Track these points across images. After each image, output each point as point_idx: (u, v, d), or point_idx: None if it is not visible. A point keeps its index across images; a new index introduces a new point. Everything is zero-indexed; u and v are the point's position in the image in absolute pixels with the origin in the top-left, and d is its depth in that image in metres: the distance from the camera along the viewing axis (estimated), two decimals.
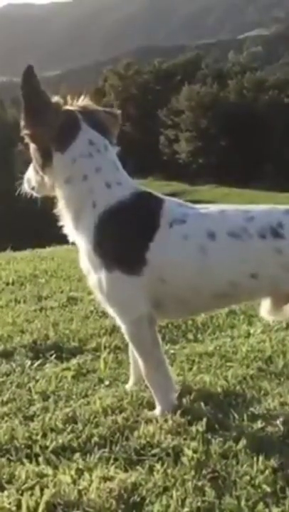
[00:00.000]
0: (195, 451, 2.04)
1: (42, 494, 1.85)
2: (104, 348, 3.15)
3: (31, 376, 2.83)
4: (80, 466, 2.01)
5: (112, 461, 2.03)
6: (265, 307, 2.44)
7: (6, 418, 2.41)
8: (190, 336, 3.32)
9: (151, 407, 2.40)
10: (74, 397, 2.58)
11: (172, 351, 3.03)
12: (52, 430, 2.27)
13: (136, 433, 2.20)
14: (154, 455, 2.05)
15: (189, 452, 2.03)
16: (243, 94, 56.25)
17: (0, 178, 28.31)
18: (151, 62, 69.59)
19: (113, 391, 2.58)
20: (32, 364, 2.98)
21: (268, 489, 1.84)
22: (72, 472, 1.97)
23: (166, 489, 1.86)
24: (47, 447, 2.15)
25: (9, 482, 1.96)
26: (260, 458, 1.98)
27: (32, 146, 2.38)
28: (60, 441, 2.18)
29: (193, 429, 2.18)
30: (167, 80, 62.63)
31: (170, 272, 2.27)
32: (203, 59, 75.79)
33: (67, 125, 2.31)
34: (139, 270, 2.26)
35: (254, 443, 2.08)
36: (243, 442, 2.08)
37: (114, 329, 3.32)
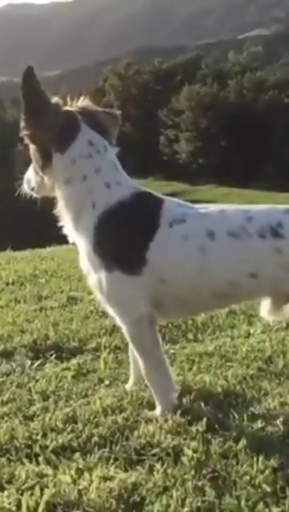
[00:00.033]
0: (195, 451, 2.04)
1: (42, 494, 1.85)
2: (104, 348, 3.15)
3: (31, 376, 2.83)
4: (80, 466, 2.01)
5: (112, 460, 2.03)
6: (265, 307, 2.44)
7: (6, 418, 2.41)
8: (190, 336, 3.32)
9: (152, 407, 2.40)
10: (74, 397, 2.58)
11: (172, 351, 3.03)
12: (52, 430, 2.27)
13: (136, 433, 2.20)
14: (154, 455, 2.05)
15: (189, 452, 2.03)
16: (243, 94, 56.26)
17: (0, 178, 28.32)
18: (152, 63, 69.62)
19: (113, 391, 2.58)
20: (32, 364, 2.99)
21: (268, 489, 1.84)
22: (73, 472, 1.97)
23: (166, 489, 1.86)
24: (47, 447, 2.15)
25: (9, 482, 1.96)
26: (260, 458, 1.98)
27: (32, 147, 2.39)
28: (60, 441, 2.18)
29: (194, 429, 2.18)
30: (167, 80, 62.65)
31: (170, 271, 2.27)
32: (203, 59, 75.82)
33: (66, 126, 2.31)
34: (139, 270, 2.26)
35: (254, 443, 2.08)
36: (243, 442, 2.08)
37: (114, 329, 3.32)
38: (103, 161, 2.34)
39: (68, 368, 2.89)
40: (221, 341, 3.17)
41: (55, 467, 2.02)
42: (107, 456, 2.06)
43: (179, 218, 2.29)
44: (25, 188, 2.52)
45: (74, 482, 1.92)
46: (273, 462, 1.96)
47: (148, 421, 2.29)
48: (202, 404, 2.40)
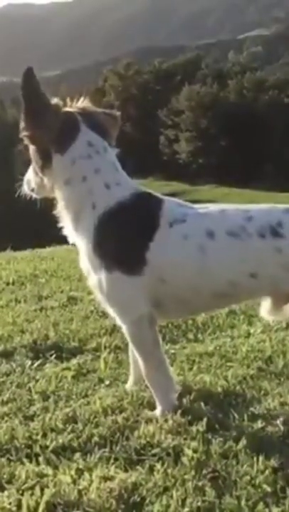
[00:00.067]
0: (195, 451, 2.04)
1: (42, 494, 1.85)
2: (105, 348, 3.15)
3: (31, 376, 2.83)
4: (80, 466, 2.01)
5: (112, 461, 2.03)
6: (265, 307, 2.44)
7: (6, 418, 2.41)
8: (190, 336, 3.32)
9: (152, 407, 2.40)
10: (74, 397, 2.58)
11: (172, 351, 3.03)
12: (52, 430, 2.27)
13: (136, 433, 2.20)
14: (154, 455, 2.05)
15: (189, 452, 2.03)
16: (243, 94, 56.27)
17: (0, 178, 28.32)
18: (152, 63, 69.63)
19: (113, 391, 2.58)
20: (32, 364, 2.99)
21: (268, 489, 1.84)
22: (73, 472, 1.97)
23: (166, 489, 1.86)
24: (47, 447, 2.15)
25: (9, 482, 1.96)
26: (261, 458, 1.98)
27: (31, 148, 2.39)
28: (61, 441, 2.18)
29: (194, 429, 2.18)
30: (167, 80, 62.67)
31: (170, 271, 2.27)
32: (203, 59, 75.84)
33: (66, 127, 2.32)
34: (139, 270, 2.26)
35: (254, 443, 2.08)
36: (243, 442, 2.08)
37: (114, 329, 3.32)
38: (103, 162, 2.34)
39: (68, 368, 2.89)
40: (221, 341, 3.17)
41: (56, 467, 2.02)
42: (107, 456, 2.06)
43: (178, 218, 2.29)
44: (25, 188, 2.52)
45: (74, 482, 1.92)
46: (273, 462, 1.96)
47: (148, 421, 2.29)
48: (202, 404, 2.40)
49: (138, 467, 1.98)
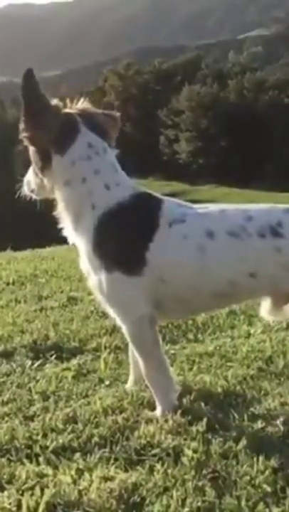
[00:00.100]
0: (195, 451, 2.04)
1: (42, 494, 1.85)
2: (105, 348, 3.15)
3: (31, 376, 2.83)
4: (81, 466, 2.01)
5: (112, 461, 2.03)
6: (265, 307, 2.44)
7: (6, 418, 2.41)
8: (190, 336, 3.32)
9: (152, 407, 2.40)
10: (74, 397, 2.58)
11: (172, 351, 3.03)
12: (52, 430, 2.27)
13: (136, 433, 2.20)
14: (154, 455, 2.05)
15: (189, 452, 2.03)
16: (243, 94, 56.25)
17: (0, 178, 28.30)
18: (152, 63, 69.62)
19: (113, 391, 2.59)
20: (32, 364, 2.99)
21: (268, 489, 1.84)
22: (73, 472, 1.97)
23: (166, 489, 1.86)
24: (47, 447, 2.15)
25: (9, 482, 1.96)
26: (261, 458, 1.98)
27: (31, 149, 2.39)
28: (61, 441, 2.18)
29: (194, 429, 2.18)
30: (167, 80, 62.65)
31: (170, 271, 2.27)
32: (204, 59, 75.81)
33: (66, 128, 2.32)
34: (139, 271, 2.26)
35: (254, 443, 2.09)
36: (243, 442, 2.08)
37: (114, 329, 3.32)
38: (102, 163, 2.34)
39: (68, 368, 2.89)
40: (221, 341, 3.17)
41: (56, 467, 2.02)
42: (107, 456, 2.06)
43: (178, 218, 2.30)
44: (25, 189, 2.52)
45: (74, 482, 1.92)
46: (273, 462, 1.96)
47: (148, 421, 2.29)
48: (202, 404, 2.40)
49: (138, 467, 1.98)
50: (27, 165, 2.50)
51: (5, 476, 1.99)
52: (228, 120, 50.93)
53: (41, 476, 1.97)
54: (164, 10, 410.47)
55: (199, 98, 55.08)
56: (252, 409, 2.37)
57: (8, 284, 5.01)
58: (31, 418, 2.40)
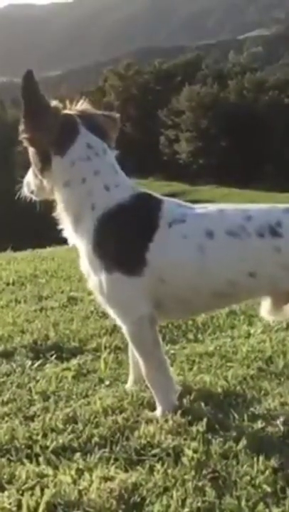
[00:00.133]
0: (195, 452, 2.04)
1: (42, 494, 1.85)
2: (105, 348, 3.15)
3: (31, 376, 2.84)
4: (81, 466, 2.01)
5: (112, 461, 2.03)
6: (265, 307, 2.44)
7: (6, 418, 2.41)
8: (190, 336, 3.32)
9: (152, 407, 2.40)
10: (74, 397, 2.58)
11: (172, 351, 3.03)
12: (52, 430, 2.27)
13: (136, 433, 2.20)
14: (154, 455, 2.05)
15: (190, 452, 2.03)
16: (243, 94, 56.26)
17: (0, 178, 28.30)
18: (152, 63, 69.65)
19: (113, 391, 2.59)
20: (32, 364, 2.99)
21: (269, 489, 1.84)
22: (73, 472, 1.97)
23: (166, 489, 1.86)
24: (47, 447, 2.15)
25: (9, 482, 1.96)
26: (261, 458, 1.98)
27: (31, 150, 2.39)
28: (61, 441, 2.18)
29: (194, 429, 2.18)
30: (168, 80, 62.67)
31: (170, 272, 2.28)
32: (204, 59, 75.88)
33: (65, 129, 2.32)
34: (139, 271, 2.26)
35: (254, 443, 2.09)
36: (243, 442, 2.08)
37: (114, 329, 3.32)
38: (102, 164, 2.35)
39: (68, 368, 2.89)
40: (221, 341, 3.17)
41: (56, 467, 2.02)
42: (107, 456, 2.06)
43: (178, 218, 2.30)
44: (25, 191, 2.52)
45: (74, 482, 1.92)
46: (273, 462, 1.96)
47: (148, 421, 2.29)
48: (202, 404, 2.40)
49: (138, 467, 1.98)
50: (27, 166, 2.50)
51: (5, 476, 1.99)
52: (229, 120, 50.93)
53: (41, 476, 1.97)
54: (164, 10, 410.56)
55: (199, 98, 55.09)
56: (252, 409, 2.37)
57: (8, 284, 5.01)
58: (31, 418, 2.40)
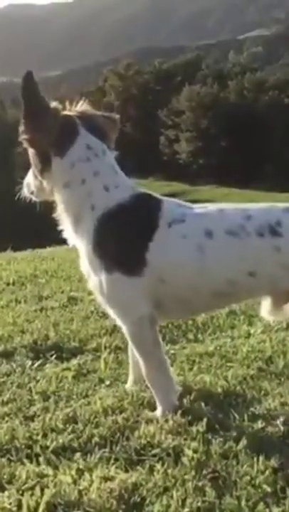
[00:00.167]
0: (195, 452, 2.04)
1: (42, 494, 1.85)
2: (105, 348, 3.15)
3: (32, 376, 2.84)
4: (81, 466, 2.01)
5: (112, 461, 2.03)
6: (265, 307, 2.44)
7: (6, 418, 2.41)
8: (190, 336, 3.32)
9: (152, 407, 2.40)
10: (74, 397, 2.58)
11: (172, 351, 3.03)
12: (52, 430, 2.27)
13: (136, 433, 2.20)
14: (154, 455, 2.05)
15: (190, 452, 2.03)
16: (243, 94, 56.25)
17: (0, 178, 28.30)
18: (152, 63, 69.66)
19: (114, 391, 2.59)
20: (32, 364, 2.99)
21: (269, 489, 1.84)
22: (73, 472, 1.97)
23: (166, 489, 1.86)
24: (47, 447, 2.15)
25: (10, 482, 1.96)
26: (261, 458, 1.98)
27: (31, 151, 2.40)
28: (61, 441, 2.18)
29: (194, 429, 2.18)
30: (168, 80, 62.67)
31: (169, 271, 2.28)
32: (204, 59, 75.88)
33: (65, 130, 2.33)
34: (139, 271, 2.26)
35: (254, 443, 2.09)
36: (243, 442, 2.08)
37: (114, 329, 3.33)
38: (102, 165, 2.35)
39: (69, 368, 2.89)
40: (222, 341, 3.17)
41: (56, 467, 2.02)
42: (107, 456, 2.06)
43: (177, 218, 2.30)
44: (25, 192, 2.52)
45: (74, 482, 1.92)
46: (274, 462, 1.96)
47: (148, 421, 2.29)
48: (202, 404, 2.40)
49: (138, 467, 1.98)
50: (27, 167, 2.50)
51: (5, 476, 1.99)
52: (229, 120, 50.93)
53: (41, 476, 1.97)
54: (164, 10, 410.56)
55: (199, 98, 55.09)
56: (252, 409, 2.37)
57: (8, 284, 5.01)
58: (31, 418, 2.41)
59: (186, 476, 1.91)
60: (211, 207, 2.39)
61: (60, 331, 3.50)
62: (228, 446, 2.07)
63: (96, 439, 2.18)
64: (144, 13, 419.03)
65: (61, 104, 2.39)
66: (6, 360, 3.08)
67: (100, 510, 1.78)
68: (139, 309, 2.31)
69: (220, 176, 48.72)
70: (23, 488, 1.90)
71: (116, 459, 2.04)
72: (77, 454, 2.09)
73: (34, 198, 2.52)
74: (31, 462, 2.06)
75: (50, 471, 1.99)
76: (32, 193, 2.50)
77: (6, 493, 1.88)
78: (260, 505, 1.77)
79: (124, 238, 2.29)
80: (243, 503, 1.78)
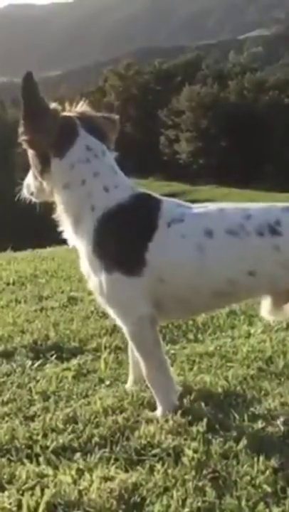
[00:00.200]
0: (195, 452, 2.04)
1: (42, 494, 1.85)
2: (105, 348, 3.15)
3: (32, 376, 2.84)
4: (81, 466, 2.01)
5: (112, 461, 2.03)
6: (265, 307, 2.44)
7: (6, 418, 2.41)
8: (190, 336, 3.32)
9: (152, 407, 2.40)
10: (74, 397, 2.58)
11: (173, 351, 3.03)
12: (52, 430, 2.27)
13: (136, 433, 2.20)
14: (154, 455, 2.05)
15: (190, 452, 2.03)
16: (243, 94, 56.26)
17: (0, 178, 28.30)
18: (152, 63, 69.67)
19: (114, 391, 2.59)
20: (32, 364, 2.99)
21: (269, 489, 1.84)
22: (73, 472, 1.97)
23: (166, 489, 1.86)
24: (47, 447, 2.15)
25: (10, 482, 1.96)
26: (261, 458, 1.98)
27: (30, 152, 2.40)
28: (61, 441, 2.18)
29: (194, 429, 2.18)
30: (168, 80, 62.69)
31: (169, 271, 2.28)
32: (204, 59, 75.89)
33: (65, 131, 2.33)
34: (138, 271, 2.26)
35: (254, 443, 2.09)
36: (243, 442, 2.08)
37: (114, 329, 3.33)
38: (101, 165, 2.35)
39: (69, 368, 2.89)
40: (222, 341, 3.17)
41: (56, 467, 2.02)
42: (107, 456, 2.06)
43: (177, 218, 2.30)
44: (25, 192, 2.53)
45: (74, 482, 1.92)
46: (274, 462, 1.96)
47: (149, 421, 2.29)
48: (202, 404, 2.40)
49: (138, 467, 1.98)
50: (27, 168, 2.50)
51: (5, 476, 1.99)
52: (229, 120, 50.94)
53: (41, 476, 1.97)
54: (164, 10, 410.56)
55: (199, 98, 55.10)
56: (252, 409, 2.37)
57: (8, 284, 5.01)
58: (31, 418, 2.41)
59: (187, 476, 1.91)
60: (211, 206, 2.39)
61: (60, 331, 3.50)
62: (228, 446, 2.07)
63: (96, 439, 2.18)
64: (144, 13, 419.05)
65: (61, 104, 2.39)
66: (6, 360, 3.08)
67: (100, 510, 1.78)
68: (139, 309, 2.31)
69: (220, 176, 48.72)
70: (23, 488, 1.90)
71: (116, 459, 2.04)
72: (77, 454, 2.09)
73: (34, 199, 2.52)
74: (31, 462, 2.06)
75: (50, 471, 1.99)
76: (32, 193, 2.50)
77: (6, 493, 1.88)
78: (261, 506, 1.77)
79: (124, 238, 2.30)
80: (243, 503, 1.78)
